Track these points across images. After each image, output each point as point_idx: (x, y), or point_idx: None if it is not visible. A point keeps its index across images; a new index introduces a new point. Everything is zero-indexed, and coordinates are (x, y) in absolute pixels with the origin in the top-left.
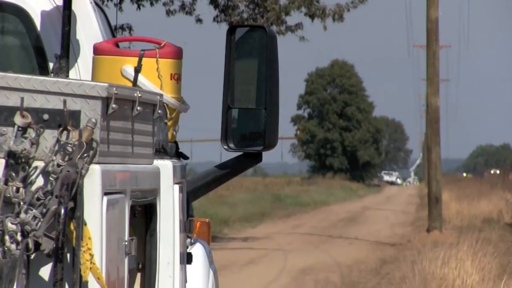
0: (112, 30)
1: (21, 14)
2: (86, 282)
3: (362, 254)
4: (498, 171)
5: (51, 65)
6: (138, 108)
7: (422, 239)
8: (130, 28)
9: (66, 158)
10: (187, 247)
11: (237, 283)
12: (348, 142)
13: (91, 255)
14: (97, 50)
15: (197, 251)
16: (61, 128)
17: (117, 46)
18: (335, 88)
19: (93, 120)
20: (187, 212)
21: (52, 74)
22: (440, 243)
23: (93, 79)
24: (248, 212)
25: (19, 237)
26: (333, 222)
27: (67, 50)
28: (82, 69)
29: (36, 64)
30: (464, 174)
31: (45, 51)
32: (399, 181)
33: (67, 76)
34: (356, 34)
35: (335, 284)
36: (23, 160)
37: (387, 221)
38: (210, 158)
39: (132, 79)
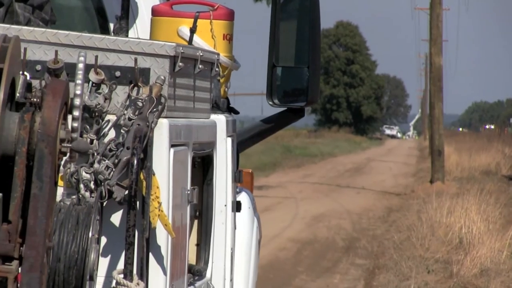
0: None
1: None
2: (155, 228)
3: (370, 203)
4: (492, 126)
5: (111, 26)
6: (200, 66)
7: (425, 189)
8: None
9: (137, 113)
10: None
11: None
12: (353, 98)
13: (159, 203)
14: (155, 12)
15: (243, 199)
16: (132, 85)
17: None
18: (339, 47)
19: (162, 77)
20: (237, 163)
21: (112, 34)
22: (444, 193)
23: (151, 39)
24: (261, 162)
25: (92, 186)
26: (340, 172)
27: (127, 12)
28: (140, 30)
29: (98, 24)
30: (460, 129)
31: (106, 12)
32: (399, 134)
33: (127, 35)
34: None
35: (347, 230)
36: (96, 114)
37: (391, 172)
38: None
39: (187, 39)
